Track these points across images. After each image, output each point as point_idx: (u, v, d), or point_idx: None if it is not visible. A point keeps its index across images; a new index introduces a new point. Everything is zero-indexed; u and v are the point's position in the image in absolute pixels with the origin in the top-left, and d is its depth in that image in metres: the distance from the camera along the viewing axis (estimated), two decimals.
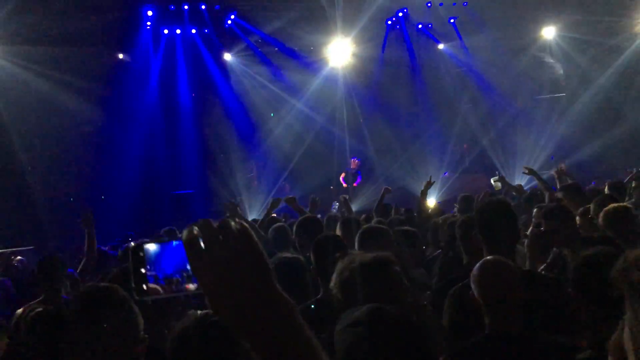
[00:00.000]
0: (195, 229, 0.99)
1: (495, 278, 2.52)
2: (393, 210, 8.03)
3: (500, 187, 8.46)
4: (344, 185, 15.26)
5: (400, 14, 15.93)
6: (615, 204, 4.25)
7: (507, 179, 8.97)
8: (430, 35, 16.59)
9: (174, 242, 1.11)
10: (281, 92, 16.20)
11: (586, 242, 3.61)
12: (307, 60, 16.09)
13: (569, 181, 7.26)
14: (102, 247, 6.53)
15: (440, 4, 15.51)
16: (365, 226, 4.38)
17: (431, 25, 16.45)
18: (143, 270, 1.09)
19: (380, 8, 14.80)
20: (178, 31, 14.56)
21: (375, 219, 6.38)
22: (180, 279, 1.10)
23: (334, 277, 2.47)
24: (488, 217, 3.24)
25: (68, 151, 12.79)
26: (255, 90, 16.02)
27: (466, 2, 15.40)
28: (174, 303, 3.66)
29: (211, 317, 2.16)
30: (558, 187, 7.20)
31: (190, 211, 12.48)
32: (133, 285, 1.09)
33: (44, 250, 8.72)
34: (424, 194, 7.27)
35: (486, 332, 2.52)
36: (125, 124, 13.96)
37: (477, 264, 2.66)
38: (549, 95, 16.69)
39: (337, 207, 11.30)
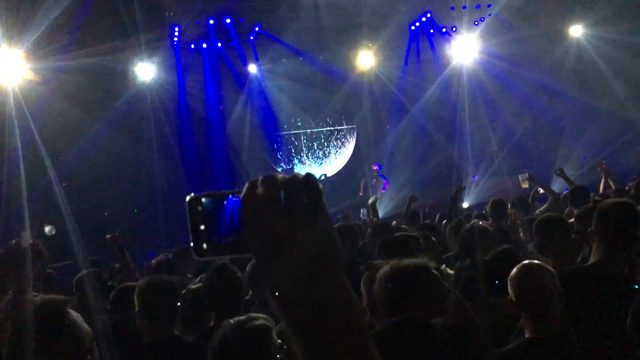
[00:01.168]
0: (257, 185, 0.85)
1: (535, 282, 2.51)
2: (422, 217, 8.04)
3: (527, 186, 8.32)
4: (361, 193, 15.28)
5: (424, 19, 15.90)
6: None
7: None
8: (453, 38, 16.48)
9: (232, 197, 0.96)
10: (307, 102, 16.35)
11: None
12: (333, 69, 16.19)
13: (610, 182, 7.16)
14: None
15: (464, 7, 15.43)
16: (398, 234, 4.39)
17: (456, 28, 16.38)
18: (202, 227, 0.96)
19: (404, 13, 14.83)
20: (204, 45, 14.78)
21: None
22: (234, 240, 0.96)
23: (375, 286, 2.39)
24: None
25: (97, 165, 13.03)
26: (281, 101, 16.18)
27: (490, 4, 15.29)
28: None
29: (248, 324, 2.18)
30: (602, 185, 7.12)
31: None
32: (192, 244, 0.97)
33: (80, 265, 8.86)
34: (455, 199, 7.28)
35: (527, 336, 2.51)
36: (155, 137, 14.20)
37: (515, 269, 2.65)
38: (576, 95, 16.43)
39: (365, 213, 11.32)
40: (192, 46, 14.75)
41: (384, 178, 15.58)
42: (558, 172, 7.56)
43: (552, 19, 15.14)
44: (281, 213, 0.83)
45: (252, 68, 15.54)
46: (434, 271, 2.37)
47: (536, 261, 2.71)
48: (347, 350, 0.81)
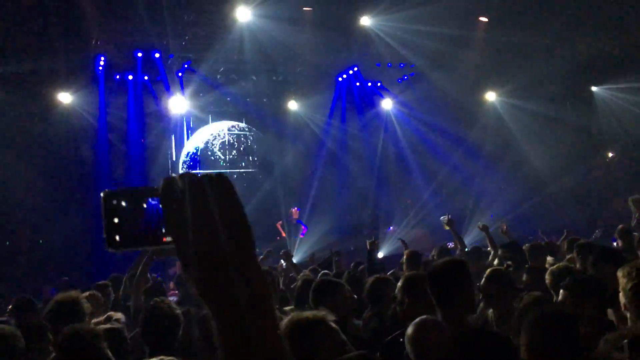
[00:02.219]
0: (175, 180, 0.94)
1: (427, 339, 2.64)
2: (334, 264, 8.24)
3: (446, 228, 8.56)
4: (283, 234, 15.32)
5: (351, 72, 16.49)
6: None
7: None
8: (378, 92, 17.20)
9: (150, 200, 1.01)
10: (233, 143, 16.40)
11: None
12: (260, 112, 16.40)
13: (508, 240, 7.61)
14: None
15: (389, 65, 16.17)
16: (317, 280, 4.47)
17: (380, 83, 17.10)
18: (116, 220, 1.00)
19: (332, 64, 15.34)
20: (130, 77, 14.52)
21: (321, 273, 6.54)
22: (157, 235, 1.01)
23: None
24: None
25: (10, 193, 12.37)
26: (203, 139, 16.12)
27: (413, 64, 16.12)
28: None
29: None
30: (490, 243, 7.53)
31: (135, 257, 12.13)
32: (104, 235, 0.99)
33: None
34: (371, 252, 7.50)
35: None
36: (70, 167, 13.68)
37: (411, 324, 2.76)
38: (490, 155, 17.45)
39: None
40: (117, 77, 14.45)
41: (303, 224, 15.69)
42: (481, 227, 7.84)
43: (469, 82, 16.14)
44: (199, 202, 0.92)
45: (179, 104, 15.38)
46: (331, 323, 2.43)
47: (431, 317, 2.83)
48: (255, 318, 0.91)
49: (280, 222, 15.66)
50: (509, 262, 5.70)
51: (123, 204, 1.01)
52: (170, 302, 3.66)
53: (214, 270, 0.91)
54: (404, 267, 7.01)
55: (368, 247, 7.55)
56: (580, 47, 14.42)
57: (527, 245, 6.50)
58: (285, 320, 2.38)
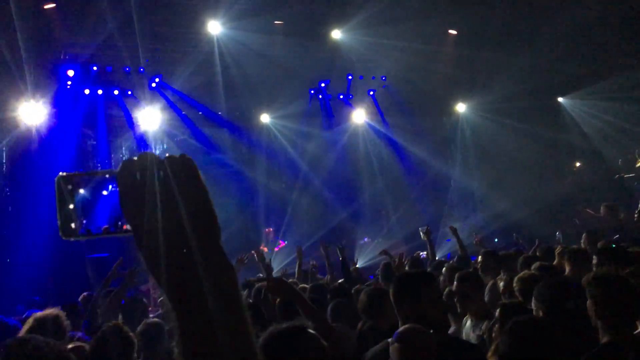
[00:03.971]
0: (133, 163, 0.88)
1: (413, 346, 2.63)
2: (310, 275, 8.23)
3: (424, 238, 8.61)
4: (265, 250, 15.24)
5: (323, 85, 16.56)
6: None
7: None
8: (350, 105, 17.31)
9: (110, 186, 0.93)
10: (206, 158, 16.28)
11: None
12: (233, 125, 16.36)
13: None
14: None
15: (360, 77, 16.32)
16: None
17: (352, 96, 17.23)
18: (71, 206, 0.94)
19: (304, 78, 15.41)
20: (100, 92, 14.31)
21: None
22: (116, 222, 0.94)
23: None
24: None
25: None
26: (178, 150, 15.92)
27: (384, 77, 16.30)
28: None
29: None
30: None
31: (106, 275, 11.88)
32: (59, 222, 0.93)
33: None
34: (344, 260, 7.52)
35: None
36: (37, 184, 13.35)
37: (396, 333, 2.76)
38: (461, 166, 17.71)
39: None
40: (87, 91, 14.21)
41: (277, 239, 15.68)
42: (451, 229, 7.94)
43: (440, 94, 16.39)
44: (159, 184, 0.86)
45: (150, 117, 15.21)
46: (310, 331, 2.40)
47: (416, 325, 2.83)
48: (221, 312, 0.83)
49: (263, 243, 15.57)
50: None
51: (81, 187, 0.95)
52: (123, 326, 3.57)
53: (175, 259, 0.83)
54: (380, 278, 7.04)
55: (339, 254, 7.56)
56: (546, 59, 14.76)
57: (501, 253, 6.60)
58: (264, 334, 2.35)
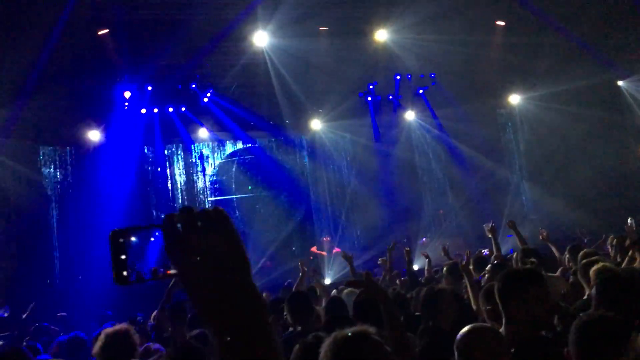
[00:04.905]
0: (175, 216, 1.02)
1: (482, 345, 2.57)
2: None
3: (489, 235, 8.41)
4: (323, 254, 15.28)
5: (371, 87, 16.52)
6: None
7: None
8: (400, 105, 17.18)
9: (157, 234, 1.09)
10: (258, 167, 16.55)
11: None
12: (284, 134, 16.56)
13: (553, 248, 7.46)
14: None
15: (408, 77, 16.16)
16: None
17: (401, 96, 17.09)
18: (123, 257, 1.08)
19: (351, 82, 15.42)
20: (155, 110, 14.80)
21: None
22: (163, 269, 1.09)
23: None
24: None
25: (42, 230, 12.62)
26: (230, 165, 16.30)
27: (433, 74, 16.09)
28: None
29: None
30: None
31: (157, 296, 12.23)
32: (113, 272, 1.08)
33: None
34: (409, 263, 7.44)
35: None
36: (102, 202, 13.90)
37: (462, 331, 2.70)
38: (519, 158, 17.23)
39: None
40: (143, 111, 14.73)
41: (336, 245, 15.71)
42: (509, 224, 7.70)
43: (492, 86, 16.03)
44: (197, 232, 1.01)
45: (203, 133, 15.63)
46: (375, 337, 2.39)
47: (485, 324, 2.77)
48: (252, 338, 0.99)
49: (315, 247, 15.65)
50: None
51: (131, 240, 1.10)
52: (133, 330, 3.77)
53: (213, 295, 0.99)
54: (444, 279, 6.90)
55: (406, 257, 7.49)
56: (603, 41, 14.21)
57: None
58: (328, 339, 2.36)
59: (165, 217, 1.03)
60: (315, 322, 4.86)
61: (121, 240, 1.10)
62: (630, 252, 5.41)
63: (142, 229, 1.12)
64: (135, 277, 1.09)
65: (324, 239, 15.86)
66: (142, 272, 1.10)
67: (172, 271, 1.07)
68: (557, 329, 3.53)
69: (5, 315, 9.39)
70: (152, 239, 1.10)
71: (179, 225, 1.02)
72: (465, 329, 2.69)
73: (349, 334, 2.36)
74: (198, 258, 1.00)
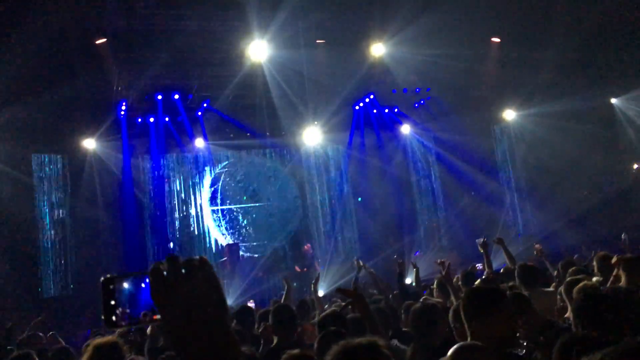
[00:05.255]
0: (162, 264, 1.09)
1: None
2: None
3: (481, 250, 8.40)
4: (298, 269, 15.22)
5: (368, 100, 16.60)
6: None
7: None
8: (396, 119, 17.27)
9: (145, 279, 1.17)
10: (253, 177, 16.55)
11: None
12: (279, 145, 16.59)
13: (547, 264, 7.45)
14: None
15: (405, 90, 16.25)
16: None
17: (397, 109, 17.18)
18: (112, 302, 1.16)
19: (348, 94, 15.49)
20: (152, 119, 14.82)
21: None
22: (149, 314, 1.16)
23: None
24: None
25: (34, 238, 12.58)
26: (226, 175, 16.29)
27: (429, 88, 16.19)
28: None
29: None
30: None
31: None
32: (102, 317, 1.15)
33: None
34: (402, 275, 7.41)
35: None
36: (97, 212, 13.88)
37: (453, 349, 2.70)
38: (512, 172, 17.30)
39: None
40: (140, 120, 14.75)
41: (317, 260, 15.65)
42: (496, 241, 7.69)
43: (486, 102, 16.14)
44: (180, 279, 1.08)
45: (199, 143, 15.66)
46: (384, 349, 2.39)
47: (475, 342, 2.77)
48: None
49: (297, 265, 15.58)
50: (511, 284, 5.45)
51: (123, 286, 1.17)
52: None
53: (193, 338, 1.05)
54: (434, 293, 6.89)
55: (397, 269, 7.46)
56: (598, 59, 14.34)
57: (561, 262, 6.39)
58: (336, 348, 2.36)
59: (152, 266, 1.09)
60: (301, 336, 4.86)
61: (111, 286, 1.17)
62: (615, 270, 5.43)
63: (132, 275, 1.19)
64: (126, 321, 1.17)
65: (305, 246, 15.81)
66: (132, 316, 1.17)
67: (157, 316, 1.13)
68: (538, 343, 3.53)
69: None
70: (143, 285, 1.17)
71: (164, 273, 1.08)
72: (456, 346, 2.69)
73: (359, 343, 2.37)
74: (182, 304, 1.06)
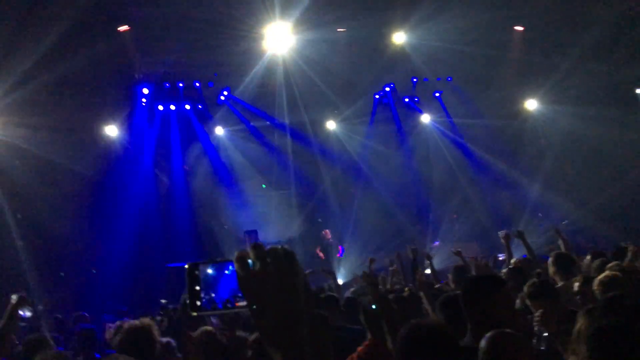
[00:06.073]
0: (247, 253, 1.10)
1: (508, 351, 2.57)
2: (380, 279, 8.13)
3: (503, 242, 8.32)
4: (321, 256, 15.27)
5: (388, 89, 16.52)
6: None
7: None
8: (416, 108, 17.16)
9: (230, 267, 1.19)
10: (273, 166, 16.57)
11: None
12: (299, 134, 16.58)
13: (561, 245, 7.34)
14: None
15: (425, 79, 16.14)
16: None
17: (418, 98, 17.07)
18: (197, 288, 1.18)
19: (368, 83, 15.43)
20: (172, 107, 14.91)
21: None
22: (233, 300, 1.18)
23: None
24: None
25: (60, 224, 12.71)
26: (246, 164, 16.35)
27: (450, 77, 16.05)
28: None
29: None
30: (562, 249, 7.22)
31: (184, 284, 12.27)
32: (188, 301, 1.18)
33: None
34: (415, 264, 7.41)
35: None
36: (118, 198, 14.00)
37: (486, 337, 2.70)
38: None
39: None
40: (160, 108, 14.84)
41: (339, 244, 15.66)
42: (516, 234, 7.61)
43: (509, 91, 15.94)
44: (267, 269, 1.08)
45: (219, 131, 15.72)
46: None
47: (508, 330, 2.76)
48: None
49: (319, 247, 15.65)
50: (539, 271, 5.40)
51: (207, 272, 1.20)
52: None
53: (281, 329, 1.07)
54: (451, 280, 6.88)
55: (411, 256, 7.46)
56: (624, 48, 14.07)
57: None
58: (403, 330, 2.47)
59: (237, 252, 1.10)
60: None
61: (196, 272, 1.20)
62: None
63: (216, 262, 1.22)
64: (209, 307, 1.20)
65: (325, 231, 15.83)
66: (215, 302, 1.20)
67: (241, 303, 1.16)
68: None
69: (28, 315, 9.45)
70: (227, 272, 1.20)
71: (250, 262, 1.09)
72: (490, 334, 2.69)
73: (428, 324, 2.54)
74: (270, 294, 1.07)
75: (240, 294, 1.13)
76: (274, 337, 1.07)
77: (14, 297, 4.48)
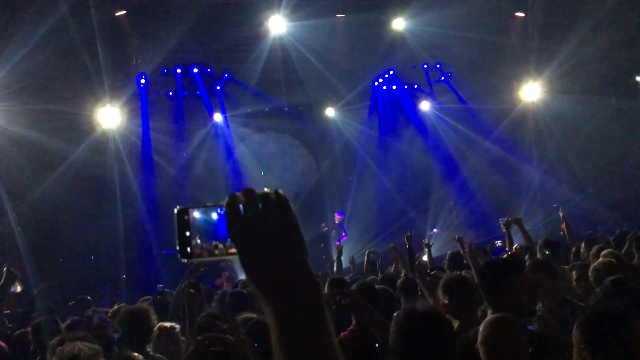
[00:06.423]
0: (238, 195, 1.06)
1: (505, 337, 2.56)
2: (378, 266, 8.17)
3: (503, 230, 8.37)
4: (326, 228, 15.35)
5: (387, 75, 16.44)
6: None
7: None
8: (416, 95, 17.09)
9: (219, 210, 1.13)
10: (271, 152, 16.54)
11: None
12: (299, 119, 16.55)
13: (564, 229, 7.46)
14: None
15: (424, 65, 16.05)
16: None
17: (417, 85, 17.00)
18: (187, 233, 1.13)
19: (367, 70, 15.36)
20: (171, 93, 14.84)
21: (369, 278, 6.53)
22: (223, 247, 1.13)
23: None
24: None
25: (58, 211, 12.70)
26: (245, 150, 16.31)
27: (449, 64, 15.97)
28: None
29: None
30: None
31: (181, 270, 12.28)
32: (177, 248, 1.12)
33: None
34: (411, 251, 7.45)
35: None
36: (117, 185, 13.96)
37: (485, 322, 2.70)
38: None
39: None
40: (159, 94, 14.76)
41: (343, 229, 15.65)
42: (514, 220, 7.61)
43: (508, 78, 15.88)
44: (258, 214, 1.05)
45: (218, 117, 15.65)
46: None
47: (504, 314, 2.77)
48: (306, 314, 1.02)
49: (324, 223, 15.69)
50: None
51: (195, 217, 1.14)
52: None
53: (272, 278, 1.03)
54: (446, 267, 6.92)
55: (406, 242, 7.50)
56: (621, 34, 13.99)
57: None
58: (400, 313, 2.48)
59: (228, 197, 1.06)
60: None
61: (186, 217, 1.13)
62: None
63: (205, 206, 1.15)
64: (201, 253, 1.13)
65: (337, 214, 15.81)
66: (204, 248, 1.13)
67: (232, 250, 1.10)
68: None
69: (18, 290, 9.46)
70: (215, 217, 1.13)
71: (240, 206, 1.05)
72: (488, 319, 2.70)
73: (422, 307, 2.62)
74: (258, 240, 1.03)
75: (229, 241, 1.09)
76: (262, 286, 1.03)
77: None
